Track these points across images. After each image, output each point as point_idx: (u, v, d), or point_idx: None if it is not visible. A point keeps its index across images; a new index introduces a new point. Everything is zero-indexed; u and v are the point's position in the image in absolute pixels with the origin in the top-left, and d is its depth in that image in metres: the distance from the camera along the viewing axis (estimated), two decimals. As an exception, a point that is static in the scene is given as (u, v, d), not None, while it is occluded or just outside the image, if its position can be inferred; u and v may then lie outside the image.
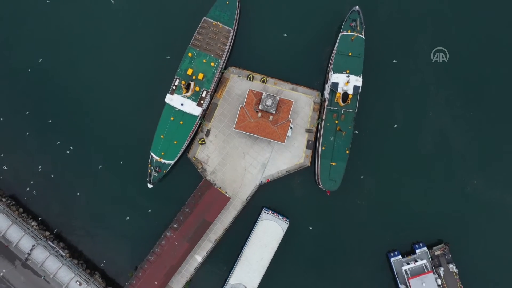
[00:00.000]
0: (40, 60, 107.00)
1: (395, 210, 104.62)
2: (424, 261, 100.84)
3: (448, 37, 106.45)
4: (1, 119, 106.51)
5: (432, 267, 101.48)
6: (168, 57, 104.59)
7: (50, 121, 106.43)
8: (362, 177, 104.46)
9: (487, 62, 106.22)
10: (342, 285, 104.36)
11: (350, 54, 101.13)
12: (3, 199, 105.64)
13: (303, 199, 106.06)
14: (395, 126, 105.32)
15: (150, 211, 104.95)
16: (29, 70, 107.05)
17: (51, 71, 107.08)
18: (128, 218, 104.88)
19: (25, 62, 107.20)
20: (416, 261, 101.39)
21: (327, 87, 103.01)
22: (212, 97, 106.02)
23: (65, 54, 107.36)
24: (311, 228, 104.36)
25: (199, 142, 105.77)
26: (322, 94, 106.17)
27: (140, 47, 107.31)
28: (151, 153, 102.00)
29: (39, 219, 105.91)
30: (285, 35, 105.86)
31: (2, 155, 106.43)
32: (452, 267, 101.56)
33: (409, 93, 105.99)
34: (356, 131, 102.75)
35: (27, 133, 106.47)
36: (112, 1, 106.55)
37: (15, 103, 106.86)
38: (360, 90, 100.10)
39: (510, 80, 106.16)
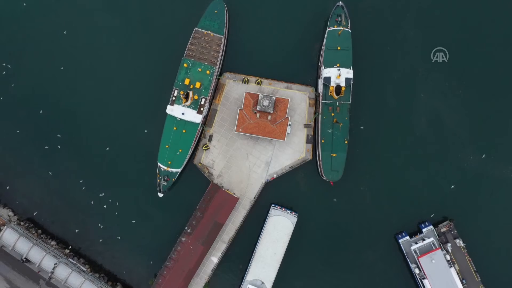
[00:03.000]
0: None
1: (398, 193, 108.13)
2: (431, 239, 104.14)
3: (431, 23, 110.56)
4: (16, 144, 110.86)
5: (440, 244, 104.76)
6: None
7: (59, 146, 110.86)
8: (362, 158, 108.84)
9: (477, 44, 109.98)
10: (355, 270, 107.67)
11: (338, 48, 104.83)
12: (21, 223, 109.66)
13: (309, 192, 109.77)
14: (389, 111, 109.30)
15: (167, 213, 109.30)
16: (30, 95, 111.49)
17: (52, 95, 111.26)
18: (141, 228, 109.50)
19: (26, 89, 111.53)
20: (423, 240, 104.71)
21: (320, 82, 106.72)
22: (211, 103, 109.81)
23: (63, 80, 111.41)
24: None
25: (203, 148, 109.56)
26: (316, 89, 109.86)
27: (136, 63, 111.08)
28: (158, 164, 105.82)
29: (57, 238, 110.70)
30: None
31: (8, 187, 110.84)
32: (459, 242, 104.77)
33: (399, 78, 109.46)
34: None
35: (37, 158, 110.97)
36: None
37: (22, 130, 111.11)
38: (352, 82, 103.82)
39: (499, 58, 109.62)
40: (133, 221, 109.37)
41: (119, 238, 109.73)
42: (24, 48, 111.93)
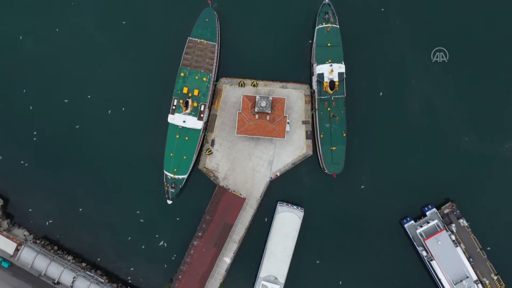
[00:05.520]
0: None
1: (399, 179, 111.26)
2: (436, 221, 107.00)
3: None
4: (26, 164, 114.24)
5: (444, 225, 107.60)
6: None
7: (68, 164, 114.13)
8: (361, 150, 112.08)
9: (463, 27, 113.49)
10: (365, 258, 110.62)
11: (329, 44, 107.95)
12: (37, 241, 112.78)
13: (312, 186, 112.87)
14: (383, 101, 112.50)
15: (178, 219, 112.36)
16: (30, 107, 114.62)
17: (56, 115, 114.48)
18: (152, 241, 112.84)
19: (31, 108, 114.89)
20: (428, 222, 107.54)
21: (314, 78, 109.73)
22: (210, 109, 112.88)
23: (66, 101, 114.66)
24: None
25: (207, 153, 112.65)
26: (311, 86, 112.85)
27: (134, 77, 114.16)
28: (165, 172, 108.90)
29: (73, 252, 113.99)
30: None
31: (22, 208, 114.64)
32: (463, 222, 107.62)
33: (390, 68, 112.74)
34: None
35: (46, 175, 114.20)
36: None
37: (31, 150, 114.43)
38: (345, 76, 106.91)
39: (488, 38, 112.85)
40: (145, 231, 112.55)
41: (132, 247, 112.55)
42: (28, 68, 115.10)
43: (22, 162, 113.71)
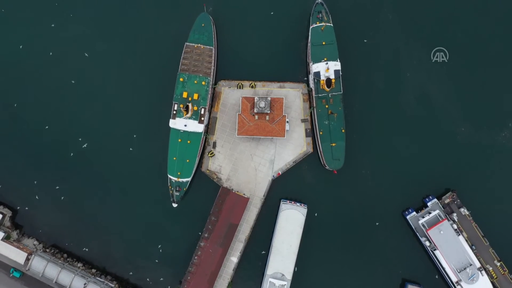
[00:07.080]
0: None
1: (399, 172, 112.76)
2: (437, 211, 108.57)
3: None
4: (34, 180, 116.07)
5: (446, 215, 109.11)
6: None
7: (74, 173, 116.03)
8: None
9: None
10: (369, 251, 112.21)
11: (323, 43, 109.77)
12: (47, 250, 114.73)
13: (314, 183, 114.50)
14: (379, 95, 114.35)
15: (179, 225, 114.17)
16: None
17: (60, 124, 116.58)
18: (160, 246, 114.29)
19: (35, 118, 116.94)
20: (429, 213, 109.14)
21: (311, 77, 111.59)
22: (210, 112, 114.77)
23: (67, 110, 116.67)
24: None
25: (209, 155, 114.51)
26: (308, 85, 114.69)
27: (134, 85, 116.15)
28: (169, 176, 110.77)
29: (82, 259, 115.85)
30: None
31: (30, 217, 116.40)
32: (464, 211, 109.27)
33: (384, 62, 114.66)
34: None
35: (57, 187, 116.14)
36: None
37: (35, 161, 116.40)
38: (340, 73, 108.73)
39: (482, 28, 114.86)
40: (152, 235, 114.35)
41: (140, 251, 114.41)
42: (30, 76, 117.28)
43: (27, 173, 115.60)
